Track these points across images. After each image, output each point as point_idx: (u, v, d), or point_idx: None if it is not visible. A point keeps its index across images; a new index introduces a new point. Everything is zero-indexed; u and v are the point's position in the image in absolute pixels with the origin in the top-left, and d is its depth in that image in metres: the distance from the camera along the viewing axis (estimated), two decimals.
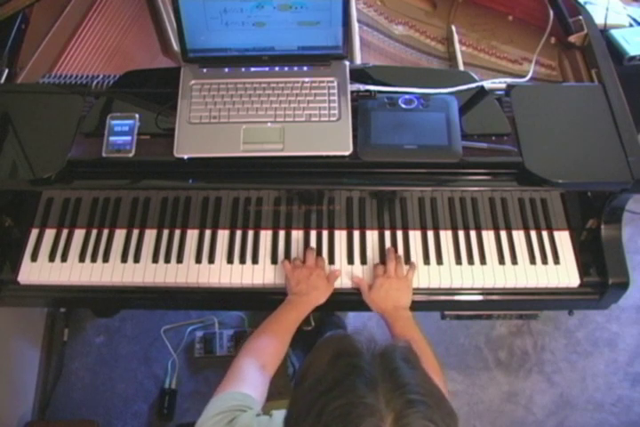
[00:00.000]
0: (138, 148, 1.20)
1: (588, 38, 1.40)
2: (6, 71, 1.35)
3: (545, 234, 1.35)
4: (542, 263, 1.31)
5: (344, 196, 1.33)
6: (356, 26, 1.46)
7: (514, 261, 1.32)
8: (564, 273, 1.30)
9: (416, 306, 1.27)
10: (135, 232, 1.36)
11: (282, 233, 1.36)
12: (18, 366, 1.86)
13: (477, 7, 1.57)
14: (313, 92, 1.23)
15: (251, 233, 1.36)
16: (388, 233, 1.36)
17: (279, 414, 0.89)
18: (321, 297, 1.25)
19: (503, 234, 1.35)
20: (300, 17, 1.19)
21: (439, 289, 1.31)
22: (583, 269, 1.30)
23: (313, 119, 1.21)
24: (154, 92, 1.28)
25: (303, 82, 1.24)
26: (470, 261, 1.32)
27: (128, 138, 1.20)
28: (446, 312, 1.39)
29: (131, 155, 1.19)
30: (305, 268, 1.27)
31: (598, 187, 1.24)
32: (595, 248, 1.30)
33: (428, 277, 1.31)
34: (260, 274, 1.31)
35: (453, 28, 1.53)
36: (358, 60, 1.40)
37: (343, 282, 1.30)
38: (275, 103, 1.22)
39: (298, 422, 0.71)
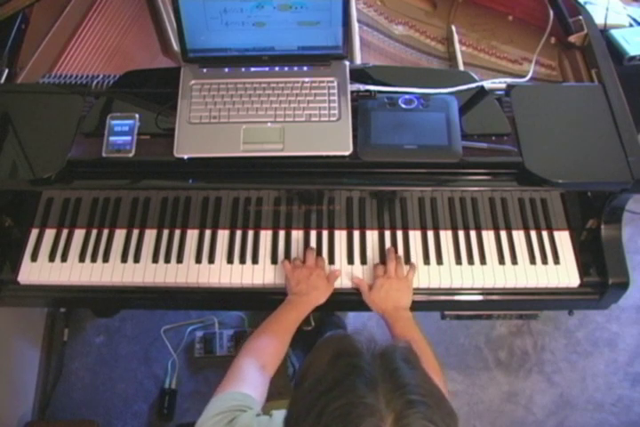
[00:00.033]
0: (138, 148, 1.20)
1: (588, 38, 1.40)
2: (6, 71, 1.35)
3: (545, 234, 1.35)
4: (542, 263, 1.31)
5: (344, 196, 1.33)
6: (356, 26, 1.46)
7: (514, 261, 1.32)
8: (564, 273, 1.30)
9: (416, 306, 1.27)
10: (135, 232, 1.36)
11: (282, 233, 1.36)
12: (18, 366, 1.86)
13: (477, 7, 1.57)
14: (313, 92, 1.23)
15: (251, 233, 1.36)
16: (388, 233, 1.36)
17: (279, 414, 0.89)
18: (321, 297, 1.25)
19: (503, 234, 1.35)
20: (299, 17, 1.19)
21: (439, 289, 1.31)
22: (583, 269, 1.30)
23: (313, 119, 1.21)
24: (154, 92, 1.28)
25: (303, 82, 1.24)
26: (470, 262, 1.32)
27: (128, 138, 1.20)
28: (446, 312, 1.39)
29: (131, 155, 1.19)
30: (305, 268, 1.27)
31: (598, 187, 1.24)
32: (595, 248, 1.30)
33: (428, 277, 1.31)
34: (260, 274, 1.31)
35: (453, 28, 1.53)
36: (358, 60, 1.40)
37: (343, 282, 1.30)
38: (275, 103, 1.22)
39: (298, 422, 0.71)
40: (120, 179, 1.24)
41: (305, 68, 1.26)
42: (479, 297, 1.32)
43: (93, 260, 1.33)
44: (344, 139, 1.19)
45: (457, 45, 1.49)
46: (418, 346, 0.90)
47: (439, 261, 1.32)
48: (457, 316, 1.40)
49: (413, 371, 0.72)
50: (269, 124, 1.20)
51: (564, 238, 1.34)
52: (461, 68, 1.43)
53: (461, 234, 1.35)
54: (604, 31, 1.65)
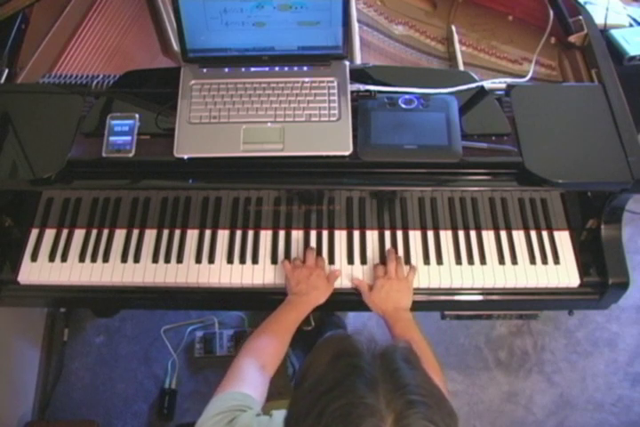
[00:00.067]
0: (138, 148, 1.20)
1: (588, 38, 1.40)
2: (6, 71, 1.35)
3: (545, 234, 1.35)
4: (542, 263, 1.31)
5: (344, 196, 1.33)
6: (356, 26, 1.46)
7: (514, 261, 1.32)
8: (564, 273, 1.30)
9: (416, 306, 1.27)
10: (135, 232, 1.36)
11: (282, 233, 1.36)
12: (18, 366, 1.86)
13: (477, 7, 1.57)
14: (313, 92, 1.23)
15: (251, 233, 1.36)
16: (387, 233, 1.36)
17: (279, 414, 0.89)
18: (321, 297, 1.25)
19: (503, 234, 1.35)
20: (300, 17, 1.19)
21: (439, 289, 1.31)
22: (583, 269, 1.30)
23: (313, 119, 1.21)
24: (154, 92, 1.28)
25: (303, 82, 1.24)
26: (470, 261, 1.32)
27: (128, 138, 1.20)
28: (446, 312, 1.39)
29: (131, 155, 1.19)
30: (305, 268, 1.27)
31: (598, 187, 1.24)
32: (595, 248, 1.30)
33: (428, 277, 1.31)
34: (260, 274, 1.31)
35: (453, 28, 1.53)
36: (358, 60, 1.40)
37: (343, 282, 1.30)
38: (275, 103, 1.22)
39: (298, 422, 0.71)
40: (120, 179, 1.24)
41: (305, 68, 1.26)
42: (479, 297, 1.32)
43: (93, 260, 1.33)
44: (344, 139, 1.19)
45: (457, 45, 1.49)
46: (418, 346, 0.90)
47: (439, 261, 1.32)
48: (457, 316, 1.40)
49: (414, 371, 0.72)
50: (269, 124, 1.20)
51: (563, 238, 1.34)
52: (461, 68, 1.43)
53: (461, 234, 1.35)
54: (604, 31, 1.65)
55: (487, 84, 1.29)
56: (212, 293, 1.33)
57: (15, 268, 1.32)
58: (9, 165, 1.20)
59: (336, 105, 1.22)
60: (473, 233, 1.35)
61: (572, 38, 1.42)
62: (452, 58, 1.51)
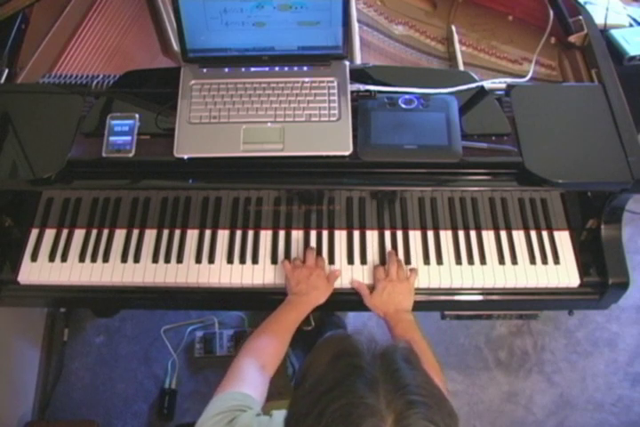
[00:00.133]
0: (138, 148, 1.20)
1: (588, 38, 1.40)
2: (6, 71, 1.35)
3: (545, 234, 1.35)
4: (542, 263, 1.31)
5: (344, 196, 1.33)
6: (355, 26, 1.46)
7: (514, 261, 1.32)
8: (564, 273, 1.30)
9: (416, 306, 1.27)
10: (135, 232, 1.36)
11: (282, 233, 1.36)
12: (18, 366, 1.86)
13: (477, 7, 1.57)
14: (313, 92, 1.23)
15: (251, 233, 1.36)
16: (388, 233, 1.36)
17: (279, 414, 0.89)
18: (321, 297, 1.25)
19: (503, 234, 1.35)
20: (299, 17, 1.19)
21: (439, 289, 1.31)
22: (583, 269, 1.30)
23: (313, 119, 1.21)
24: (154, 92, 1.28)
25: (303, 82, 1.24)
26: (470, 262, 1.32)
27: (128, 138, 1.20)
28: (446, 312, 1.39)
29: (131, 155, 1.19)
30: (305, 268, 1.27)
31: (598, 187, 1.24)
32: (595, 248, 1.30)
33: (428, 277, 1.31)
34: (260, 274, 1.31)
35: (453, 28, 1.53)
36: (358, 60, 1.40)
37: (343, 282, 1.30)
38: (275, 103, 1.22)
39: (298, 422, 0.71)
40: (120, 179, 1.24)
41: (305, 68, 1.26)
42: (479, 297, 1.32)
43: (93, 260, 1.33)
44: (344, 139, 1.19)
45: (457, 45, 1.49)
46: (418, 346, 0.90)
47: (439, 261, 1.32)
48: (457, 316, 1.40)
49: (414, 371, 0.72)
50: (269, 124, 1.20)
51: (563, 238, 1.34)
52: (461, 68, 1.43)
53: (461, 234, 1.35)
54: (604, 31, 1.65)
55: (487, 84, 1.29)
56: (212, 293, 1.33)
57: (15, 268, 1.32)
58: (9, 165, 1.20)
59: (336, 105, 1.22)
60: (473, 233, 1.35)
61: (572, 38, 1.42)
62: (452, 58, 1.51)
